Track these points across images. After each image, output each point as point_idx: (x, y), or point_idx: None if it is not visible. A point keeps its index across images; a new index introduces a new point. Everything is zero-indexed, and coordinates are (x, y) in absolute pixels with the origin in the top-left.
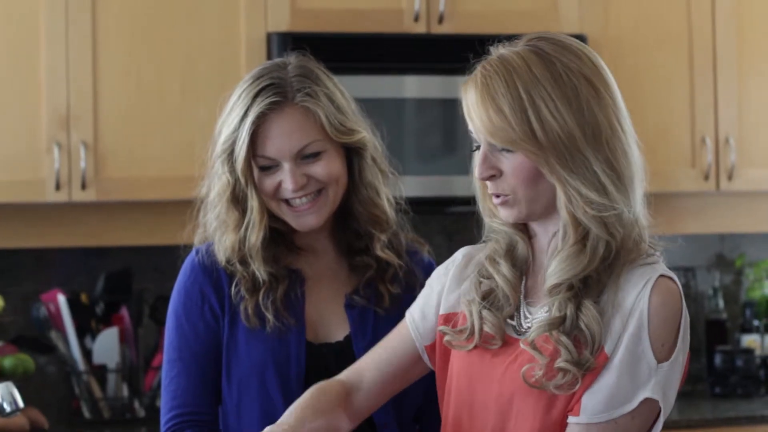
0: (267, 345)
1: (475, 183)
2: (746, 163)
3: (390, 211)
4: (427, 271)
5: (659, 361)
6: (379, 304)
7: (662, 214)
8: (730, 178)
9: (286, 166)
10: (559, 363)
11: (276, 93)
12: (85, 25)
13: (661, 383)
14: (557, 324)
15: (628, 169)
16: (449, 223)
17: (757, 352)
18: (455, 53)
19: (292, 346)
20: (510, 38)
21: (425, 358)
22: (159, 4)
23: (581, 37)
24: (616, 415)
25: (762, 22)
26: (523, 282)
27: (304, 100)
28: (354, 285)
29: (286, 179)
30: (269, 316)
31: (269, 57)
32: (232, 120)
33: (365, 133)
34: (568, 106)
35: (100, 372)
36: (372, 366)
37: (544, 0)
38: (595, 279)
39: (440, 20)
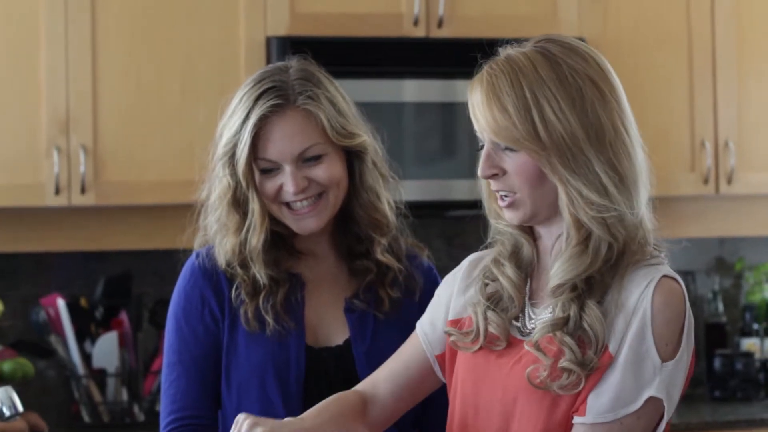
0: (267, 348)
1: (481, 184)
2: (746, 167)
3: (390, 215)
4: (427, 275)
5: (663, 360)
6: (379, 309)
7: (661, 217)
8: (729, 181)
9: (288, 168)
10: (563, 363)
11: (278, 96)
12: (85, 29)
13: (665, 382)
14: (561, 325)
15: (631, 172)
16: (449, 227)
17: (757, 356)
18: (454, 57)
19: (292, 349)
20: (510, 42)
21: (436, 368)
22: (158, 7)
23: (580, 40)
24: (622, 415)
25: (761, 24)
26: (528, 284)
27: (305, 103)
28: (354, 289)
29: (287, 182)
30: (269, 319)
31: (268, 61)
32: (234, 123)
33: (366, 137)
34: (572, 107)
35: (99, 376)
36: (387, 378)
37: (543, 3)
38: (598, 280)
39: (439, 24)
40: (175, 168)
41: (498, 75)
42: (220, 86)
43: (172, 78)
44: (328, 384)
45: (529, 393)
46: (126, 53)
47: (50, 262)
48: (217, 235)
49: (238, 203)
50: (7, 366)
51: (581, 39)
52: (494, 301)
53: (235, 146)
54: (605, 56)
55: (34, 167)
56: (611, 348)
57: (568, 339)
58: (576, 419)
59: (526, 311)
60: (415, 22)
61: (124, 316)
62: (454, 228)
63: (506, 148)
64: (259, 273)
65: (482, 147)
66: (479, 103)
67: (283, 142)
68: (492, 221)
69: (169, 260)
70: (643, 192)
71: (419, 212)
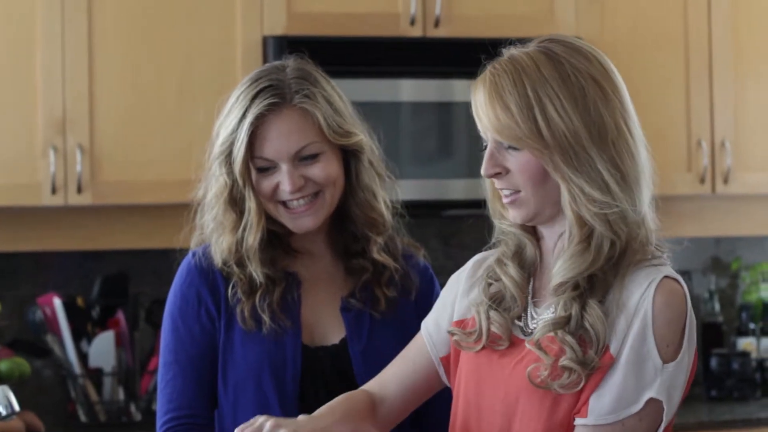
0: (263, 347)
1: (485, 185)
2: (742, 167)
3: (387, 214)
4: (423, 274)
5: (665, 361)
6: (375, 308)
7: (658, 217)
8: (726, 181)
9: (284, 167)
10: (564, 362)
11: (274, 95)
12: (82, 29)
13: (666, 384)
14: (562, 323)
15: (633, 170)
16: (445, 226)
17: (753, 355)
18: (451, 57)
19: (288, 348)
20: (513, 42)
21: (441, 370)
22: (155, 7)
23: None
24: (623, 416)
25: (758, 25)
26: (531, 283)
27: (302, 102)
28: (350, 288)
29: (283, 181)
30: (266, 318)
31: (265, 60)
32: (231, 121)
33: (362, 136)
34: (575, 106)
35: (96, 375)
36: (394, 379)
37: (541, 3)
38: (600, 279)
39: (436, 24)
40: (171, 168)
41: (501, 74)
42: (217, 86)
43: (169, 77)
44: (324, 383)
45: (531, 393)
46: (123, 53)
47: (47, 262)
48: (214, 234)
49: (235, 202)
50: (3, 365)
51: (579, 38)
52: (497, 300)
53: (231, 145)
54: None
55: (30, 167)
56: (612, 348)
57: (569, 338)
58: (577, 420)
59: (529, 311)
60: (412, 22)
61: (120, 316)
62: (451, 227)
63: (509, 147)
64: (256, 271)
65: (486, 147)
66: (482, 102)
67: (280, 141)
68: (496, 222)
69: (166, 260)
70: (646, 191)
71: (416, 212)
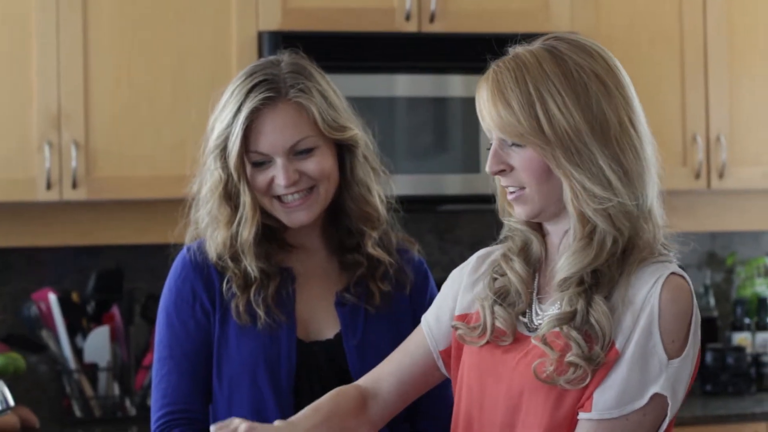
0: (258, 342)
1: (495, 183)
2: (737, 162)
3: (381, 209)
4: (418, 269)
5: (670, 357)
6: (370, 302)
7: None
8: (721, 176)
9: (279, 161)
10: (570, 357)
11: (269, 89)
12: (77, 25)
13: (671, 380)
14: (567, 319)
15: (636, 166)
16: (440, 221)
17: (748, 350)
18: (446, 52)
19: (283, 343)
20: (502, 37)
21: (440, 363)
22: (150, 3)
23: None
24: (627, 411)
25: (753, 20)
26: (536, 280)
27: (297, 96)
28: (345, 283)
29: (278, 175)
30: (260, 312)
31: (260, 56)
32: (226, 116)
33: (357, 131)
34: (576, 102)
35: (91, 371)
36: (390, 372)
37: None
38: (605, 274)
39: (431, 19)
40: (166, 163)
41: (503, 72)
42: (212, 81)
43: (164, 73)
44: (319, 378)
45: (535, 387)
46: (117, 49)
47: (42, 257)
48: (208, 228)
49: (230, 196)
50: None
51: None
52: (502, 295)
53: (226, 139)
54: None
55: (25, 162)
56: (618, 344)
57: (574, 333)
58: (581, 415)
59: (533, 307)
60: (407, 17)
61: (115, 311)
62: (446, 222)
63: (513, 144)
64: (251, 266)
65: (491, 145)
66: (485, 100)
67: (275, 135)
68: (504, 219)
69: (161, 255)
70: (651, 187)
71: (411, 207)
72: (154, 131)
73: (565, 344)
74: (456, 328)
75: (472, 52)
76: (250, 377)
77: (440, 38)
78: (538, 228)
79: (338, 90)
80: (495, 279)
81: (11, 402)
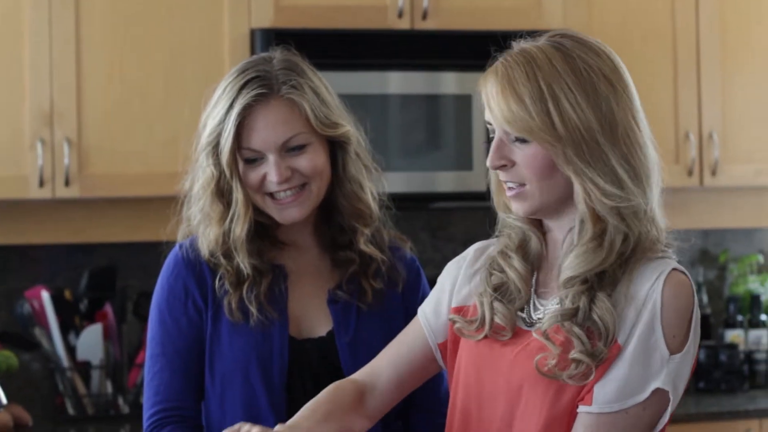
0: (250, 339)
1: (490, 176)
2: (730, 159)
3: (374, 206)
4: (410, 267)
5: (671, 352)
6: (362, 300)
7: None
8: (713, 173)
9: (271, 158)
10: (574, 354)
11: (262, 85)
12: (69, 22)
13: (672, 374)
14: (570, 315)
15: (644, 166)
16: (433, 218)
17: (741, 348)
18: (439, 49)
19: (275, 340)
20: (495, 34)
21: (438, 356)
22: (143, 0)
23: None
24: (628, 405)
25: (745, 18)
26: (535, 276)
27: (289, 93)
28: (337, 280)
29: (270, 172)
30: (253, 310)
31: (253, 53)
32: (218, 112)
33: (349, 127)
34: (587, 100)
35: (83, 368)
36: (387, 365)
37: None
38: (610, 273)
39: (424, 16)
40: (159, 160)
41: (513, 66)
42: (205, 78)
43: (156, 70)
44: (311, 375)
45: (535, 381)
46: (110, 46)
47: (34, 255)
48: (201, 225)
49: (222, 193)
50: None
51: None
52: (501, 291)
53: (219, 136)
54: None
55: (18, 160)
56: (620, 339)
57: (576, 329)
58: (581, 408)
59: (532, 302)
60: (400, 14)
61: (108, 309)
62: (439, 220)
63: (517, 140)
64: (243, 262)
65: (491, 140)
66: (494, 93)
67: (267, 132)
68: (501, 214)
69: (154, 252)
70: (655, 187)
71: (404, 204)
72: (147, 128)
73: (565, 339)
74: (454, 322)
75: (465, 49)
76: (242, 374)
77: (433, 35)
78: (537, 225)
79: (330, 87)
80: (491, 274)
81: (4, 400)
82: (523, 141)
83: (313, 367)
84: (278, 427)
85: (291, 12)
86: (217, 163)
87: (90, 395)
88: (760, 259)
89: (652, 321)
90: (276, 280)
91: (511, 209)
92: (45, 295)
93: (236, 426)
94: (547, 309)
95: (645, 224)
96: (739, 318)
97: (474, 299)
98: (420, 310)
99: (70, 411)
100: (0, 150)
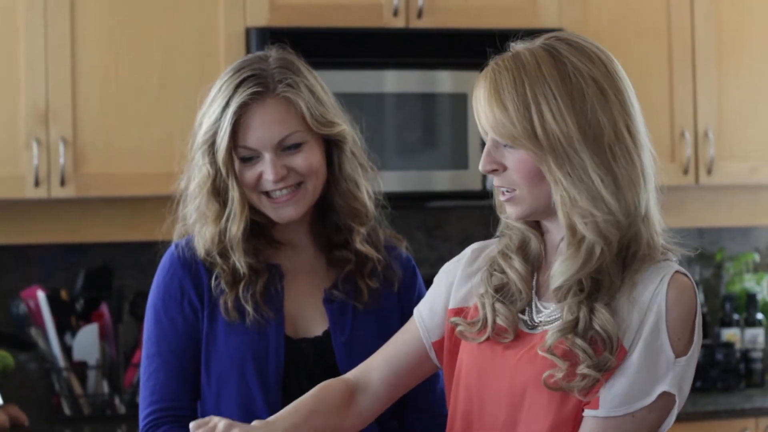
0: (246, 338)
1: (492, 180)
2: (725, 157)
3: (369, 205)
4: (406, 266)
5: (677, 355)
6: (358, 299)
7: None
8: (709, 171)
9: (267, 156)
10: (582, 369)
11: (257, 84)
12: (64, 21)
13: (678, 378)
14: (571, 328)
15: (631, 173)
16: (429, 217)
17: (737, 346)
18: (434, 48)
19: (271, 340)
20: (490, 33)
21: (432, 355)
22: None
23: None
24: (634, 409)
25: (741, 15)
26: (535, 277)
27: (285, 91)
28: (333, 280)
29: (266, 170)
30: (249, 309)
31: (248, 52)
32: (214, 111)
33: (345, 126)
34: (571, 107)
35: (80, 369)
36: (380, 364)
37: None
38: (605, 281)
39: (419, 15)
40: (154, 160)
41: (501, 71)
42: (200, 77)
43: (152, 70)
44: (307, 374)
45: (539, 385)
46: (105, 45)
47: (30, 255)
48: (197, 224)
49: (218, 192)
50: None
51: (560, 30)
52: (502, 293)
53: (215, 134)
54: None
55: (13, 159)
56: (626, 343)
57: (579, 341)
58: (588, 412)
59: (533, 304)
60: (395, 13)
61: (104, 309)
62: (435, 219)
63: (506, 145)
64: (239, 261)
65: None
66: (481, 99)
67: (263, 130)
68: (502, 216)
69: (150, 252)
70: (644, 194)
71: (399, 203)
72: (142, 127)
73: (570, 350)
74: (456, 325)
75: (460, 47)
76: (238, 374)
77: (428, 34)
78: (536, 226)
79: (326, 85)
80: (492, 275)
81: (0, 400)
82: (512, 146)
83: (309, 366)
84: (255, 422)
85: (286, 10)
86: (213, 161)
87: (86, 395)
88: (756, 257)
89: (657, 325)
90: (272, 279)
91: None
92: (41, 295)
93: (206, 419)
94: (551, 312)
95: (634, 229)
96: (735, 317)
97: (474, 300)
98: (416, 309)
99: (67, 411)
100: None
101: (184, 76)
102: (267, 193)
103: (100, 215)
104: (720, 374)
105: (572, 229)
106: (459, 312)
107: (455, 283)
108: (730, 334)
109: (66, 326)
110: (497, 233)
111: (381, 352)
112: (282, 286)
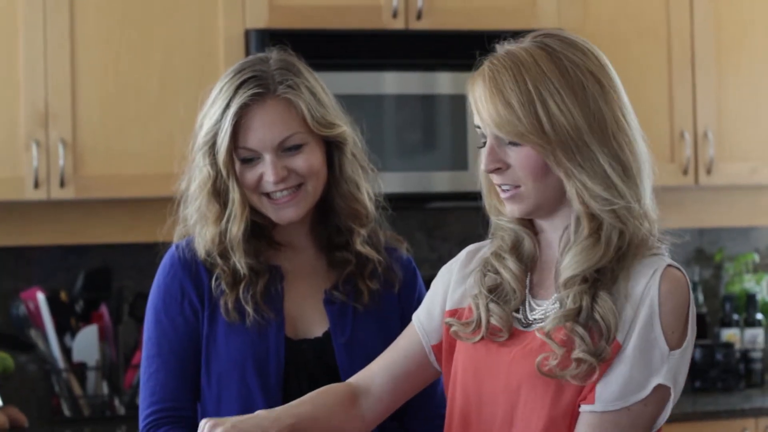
0: (246, 339)
1: (481, 180)
2: (725, 157)
3: (370, 206)
4: (406, 268)
5: (671, 348)
6: (359, 300)
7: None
8: (708, 172)
9: (268, 157)
10: (577, 353)
11: (258, 85)
12: (63, 23)
13: (672, 370)
14: (572, 315)
15: (635, 163)
16: (429, 218)
17: (737, 346)
18: (434, 49)
19: (272, 341)
20: (489, 34)
21: (432, 358)
22: (137, 1)
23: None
24: (630, 403)
25: (740, 15)
26: (529, 277)
27: (286, 92)
28: (333, 281)
29: (267, 171)
30: (249, 310)
31: (247, 53)
32: (214, 112)
33: (346, 127)
34: (575, 101)
35: (79, 370)
36: (381, 368)
37: None
38: (608, 271)
39: (418, 16)
40: (154, 161)
41: (500, 69)
42: (199, 79)
43: (151, 71)
44: (307, 375)
45: (534, 381)
46: (105, 47)
47: (30, 256)
48: (197, 225)
49: (218, 193)
50: None
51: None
52: (496, 293)
53: (215, 135)
54: None
55: (13, 161)
56: (619, 337)
57: (579, 329)
58: (584, 407)
59: (527, 303)
60: (394, 15)
61: (104, 310)
62: (435, 220)
63: (510, 143)
64: (239, 262)
65: (484, 143)
66: (482, 97)
67: (264, 131)
68: (492, 217)
69: (149, 253)
70: (647, 182)
71: (400, 204)
72: (142, 129)
73: (567, 338)
74: (450, 325)
75: (460, 49)
76: (238, 375)
77: (427, 35)
78: (529, 225)
79: (326, 87)
80: (485, 275)
81: (0, 401)
82: (515, 143)
83: (309, 367)
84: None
85: (285, 12)
86: (214, 162)
87: (86, 396)
88: (756, 257)
89: (651, 318)
90: (272, 280)
91: (504, 211)
92: (40, 297)
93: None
94: (545, 309)
95: (638, 220)
96: (735, 317)
97: (468, 301)
98: (414, 314)
99: (66, 412)
100: None
101: (184, 77)
102: (267, 195)
103: (99, 216)
104: (720, 374)
105: (590, 217)
106: (454, 313)
107: (451, 286)
108: (729, 334)
109: (66, 327)
110: (489, 235)
111: (381, 357)
112: (282, 287)
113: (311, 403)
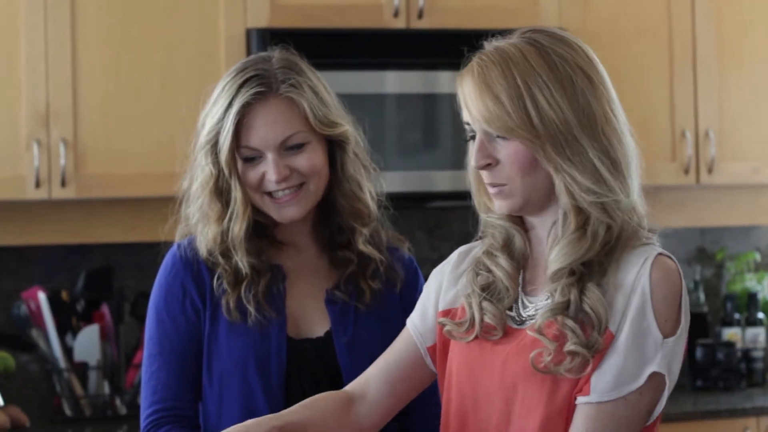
0: (248, 339)
1: (470, 178)
2: (726, 157)
3: (372, 205)
4: (408, 267)
5: (664, 336)
6: (360, 300)
7: (647, 204)
8: (710, 171)
9: (270, 156)
10: (569, 347)
11: (261, 84)
12: (65, 22)
13: (666, 358)
14: (561, 309)
15: (624, 157)
16: (430, 218)
17: (738, 346)
18: (435, 48)
19: (273, 340)
20: (495, 34)
21: (428, 360)
22: (139, 0)
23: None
24: (626, 392)
25: (742, 14)
26: (521, 274)
27: (288, 91)
28: (335, 280)
29: (269, 170)
30: (251, 309)
31: (249, 53)
32: (217, 111)
33: (348, 127)
34: (564, 95)
35: (81, 370)
36: (377, 373)
37: None
38: (596, 264)
39: (420, 15)
40: (155, 160)
41: (488, 65)
42: (201, 78)
43: (152, 70)
44: (309, 375)
45: (529, 378)
46: (106, 46)
47: (31, 256)
48: (199, 225)
49: (221, 192)
50: None
51: (561, 29)
52: (489, 291)
53: (218, 134)
54: None
55: (14, 160)
56: (612, 327)
57: (569, 322)
58: (580, 399)
59: (520, 300)
60: (396, 14)
61: (105, 309)
62: (436, 219)
63: (498, 137)
64: (241, 261)
65: (471, 138)
66: (470, 93)
67: (266, 130)
68: (482, 215)
69: (151, 253)
70: (635, 177)
71: (401, 203)
72: (143, 128)
73: (559, 333)
74: (443, 325)
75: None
76: (240, 374)
77: (429, 35)
78: (520, 222)
79: (328, 86)
80: (478, 274)
81: (1, 401)
82: (504, 138)
83: (311, 367)
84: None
85: (287, 11)
86: (216, 161)
87: (87, 396)
88: (757, 256)
89: (643, 307)
90: (274, 279)
91: (492, 208)
92: (42, 296)
93: None
94: (536, 306)
95: (627, 214)
96: (737, 316)
97: (461, 301)
98: (408, 318)
99: (68, 412)
100: None
101: (185, 76)
102: (269, 194)
103: (100, 216)
104: (721, 373)
105: (577, 211)
106: (447, 313)
107: (443, 287)
108: (731, 333)
109: (67, 327)
110: (479, 234)
111: (377, 363)
112: (284, 286)
113: (302, 410)
